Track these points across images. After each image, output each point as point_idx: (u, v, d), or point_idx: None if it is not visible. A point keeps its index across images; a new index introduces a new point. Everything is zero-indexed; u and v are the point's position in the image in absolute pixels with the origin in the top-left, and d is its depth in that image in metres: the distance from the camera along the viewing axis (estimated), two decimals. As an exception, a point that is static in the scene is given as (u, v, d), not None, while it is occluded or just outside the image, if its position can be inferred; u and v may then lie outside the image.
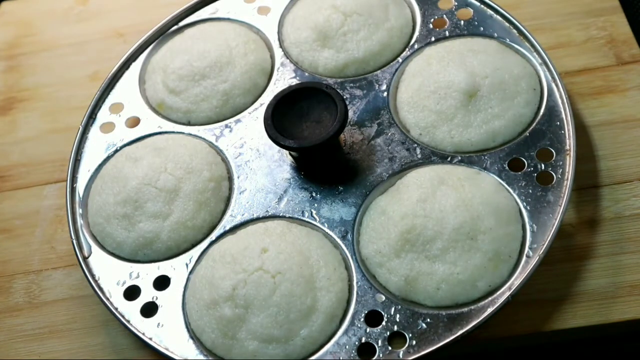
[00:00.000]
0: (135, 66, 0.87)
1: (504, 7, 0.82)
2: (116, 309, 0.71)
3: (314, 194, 0.74)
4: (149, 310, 0.71)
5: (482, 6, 0.84)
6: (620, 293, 0.70)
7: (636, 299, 0.69)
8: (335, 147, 0.76)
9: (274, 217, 0.74)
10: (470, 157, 0.74)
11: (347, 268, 0.70)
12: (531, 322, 0.69)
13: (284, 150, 0.75)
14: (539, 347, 0.73)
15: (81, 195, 0.79)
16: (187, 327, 0.69)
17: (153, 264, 0.73)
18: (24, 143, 0.92)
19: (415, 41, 0.83)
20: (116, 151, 0.81)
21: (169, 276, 0.72)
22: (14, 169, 0.90)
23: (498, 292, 0.66)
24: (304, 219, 0.73)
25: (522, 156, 0.73)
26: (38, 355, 0.75)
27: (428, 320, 0.66)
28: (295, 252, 0.69)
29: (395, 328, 0.66)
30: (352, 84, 0.81)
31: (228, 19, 0.90)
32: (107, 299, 0.72)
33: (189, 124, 0.82)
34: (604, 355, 0.75)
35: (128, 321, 0.70)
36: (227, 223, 0.74)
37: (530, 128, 0.75)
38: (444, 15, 0.84)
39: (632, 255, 0.71)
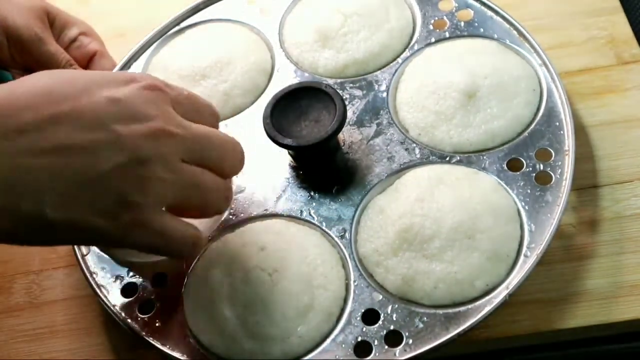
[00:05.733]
0: (137, 66, 0.88)
1: (504, 7, 0.82)
2: (114, 306, 0.71)
3: (312, 193, 0.75)
4: (147, 308, 0.71)
5: (483, 7, 0.83)
6: (620, 293, 0.69)
7: (637, 298, 0.69)
8: (334, 146, 0.76)
9: (272, 215, 0.74)
10: (469, 157, 0.74)
11: (345, 267, 0.70)
12: (531, 322, 0.69)
13: (283, 149, 0.75)
14: (538, 347, 0.72)
15: (82, 195, 0.79)
16: (185, 326, 0.69)
17: (152, 262, 0.73)
18: (26, 143, 0.92)
19: (415, 42, 0.83)
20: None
21: (167, 274, 0.72)
22: (16, 169, 0.90)
23: (496, 291, 0.66)
24: (302, 217, 0.73)
25: (521, 156, 0.73)
26: (39, 355, 0.75)
27: (425, 319, 0.65)
28: (293, 251, 0.69)
29: (392, 327, 0.66)
30: (351, 84, 0.81)
31: (229, 20, 0.90)
32: (105, 296, 0.72)
33: (188, 123, 0.82)
34: (604, 355, 0.75)
35: (126, 319, 0.70)
36: (225, 221, 0.74)
37: (530, 128, 0.74)
38: (445, 17, 0.84)
39: (632, 255, 0.71)
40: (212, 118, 0.64)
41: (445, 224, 0.68)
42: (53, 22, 0.84)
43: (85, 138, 0.53)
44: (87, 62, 0.85)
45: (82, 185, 0.53)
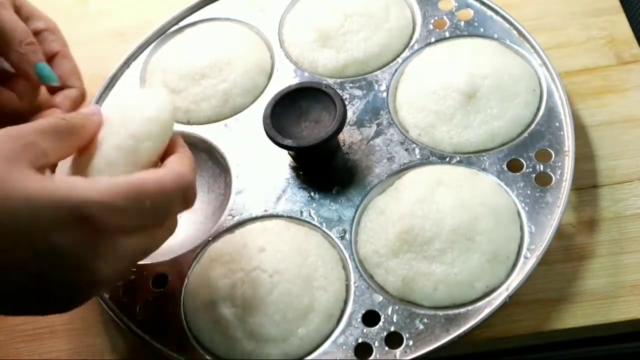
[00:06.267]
0: (136, 65, 0.88)
1: (504, 7, 0.82)
2: (114, 307, 0.71)
3: (312, 194, 0.75)
4: (148, 308, 0.71)
5: (483, 7, 0.83)
6: (620, 293, 0.69)
7: (636, 298, 0.69)
8: (334, 147, 0.76)
9: (272, 216, 0.74)
10: (469, 158, 0.74)
11: (345, 268, 0.70)
12: (531, 322, 0.69)
13: (283, 149, 0.75)
14: (538, 347, 0.72)
15: (81, 195, 0.79)
16: (185, 327, 0.69)
17: (152, 263, 0.73)
18: (26, 142, 0.92)
19: (415, 42, 0.83)
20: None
21: (168, 275, 0.72)
22: (16, 169, 0.89)
23: (496, 293, 0.66)
24: (302, 218, 0.73)
25: (521, 157, 0.73)
26: (39, 355, 0.75)
27: (425, 320, 0.66)
28: (293, 252, 0.69)
29: (392, 328, 0.66)
30: (351, 84, 0.81)
31: (228, 19, 0.90)
32: (105, 297, 0.72)
33: (188, 123, 0.82)
34: (604, 355, 0.75)
35: (126, 320, 0.70)
36: (225, 222, 0.74)
37: (530, 129, 0.74)
38: (444, 16, 0.84)
39: (632, 255, 0.71)
40: (185, 204, 0.60)
41: (446, 225, 0.68)
42: (19, 10, 0.77)
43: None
44: (48, 60, 0.81)
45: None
